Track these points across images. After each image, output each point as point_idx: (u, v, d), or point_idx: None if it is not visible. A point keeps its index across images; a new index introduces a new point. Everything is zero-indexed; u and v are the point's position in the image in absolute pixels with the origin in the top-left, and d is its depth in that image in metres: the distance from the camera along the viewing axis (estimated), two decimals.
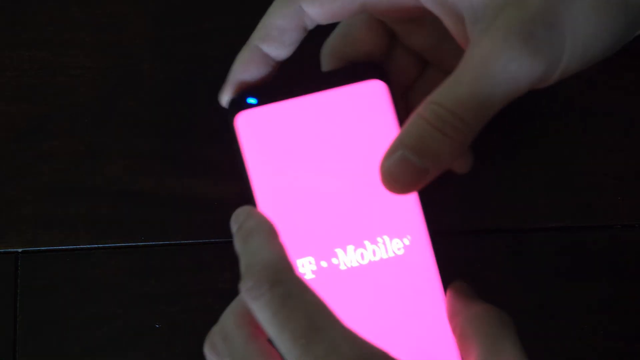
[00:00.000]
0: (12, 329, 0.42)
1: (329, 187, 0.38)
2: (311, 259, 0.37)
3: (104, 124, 0.45)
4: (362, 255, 0.37)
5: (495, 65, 0.33)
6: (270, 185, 0.38)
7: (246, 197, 0.38)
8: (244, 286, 0.32)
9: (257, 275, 0.31)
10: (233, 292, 0.42)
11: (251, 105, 0.38)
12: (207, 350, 0.34)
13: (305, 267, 0.37)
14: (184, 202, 0.44)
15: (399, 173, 0.34)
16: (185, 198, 0.44)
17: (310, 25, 0.39)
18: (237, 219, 0.35)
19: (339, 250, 0.37)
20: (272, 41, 0.38)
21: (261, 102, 0.38)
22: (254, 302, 0.31)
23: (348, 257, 0.37)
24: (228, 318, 0.34)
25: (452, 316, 0.37)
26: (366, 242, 0.37)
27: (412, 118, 0.34)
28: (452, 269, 0.43)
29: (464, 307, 0.36)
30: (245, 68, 0.39)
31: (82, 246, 0.43)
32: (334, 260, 0.37)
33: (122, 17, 0.46)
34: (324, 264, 0.37)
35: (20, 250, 0.43)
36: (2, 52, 0.46)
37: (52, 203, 0.44)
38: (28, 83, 0.45)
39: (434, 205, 0.43)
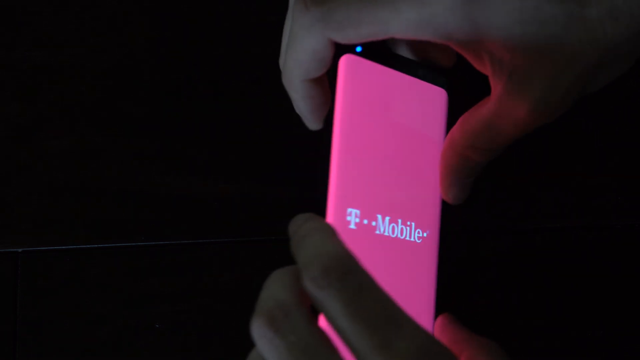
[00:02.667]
0: (12, 329, 0.42)
1: (390, 158, 0.40)
2: (358, 211, 0.38)
3: (104, 124, 0.45)
4: (393, 229, 0.39)
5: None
6: (348, 132, 0.39)
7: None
8: (308, 275, 0.30)
9: (323, 266, 0.30)
10: (233, 292, 0.43)
11: (356, 53, 0.39)
12: (264, 323, 0.31)
13: (350, 217, 0.39)
14: (184, 202, 0.44)
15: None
16: (185, 198, 0.44)
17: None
18: (296, 223, 0.34)
19: (379, 216, 0.39)
20: (315, 72, 0.38)
21: (364, 53, 0.39)
22: (320, 291, 0.30)
23: (383, 225, 0.39)
24: (283, 293, 0.31)
25: (457, 342, 0.38)
26: (399, 220, 0.40)
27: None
28: (452, 268, 0.43)
29: (469, 336, 0.38)
30: (309, 102, 0.39)
31: (82, 246, 0.43)
32: (373, 223, 0.39)
33: (122, 17, 0.46)
34: (365, 221, 0.38)
35: (20, 250, 0.43)
36: (2, 52, 0.46)
37: (52, 203, 0.44)
38: (28, 83, 0.45)
39: None
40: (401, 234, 0.40)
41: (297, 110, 0.40)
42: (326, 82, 0.40)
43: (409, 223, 0.40)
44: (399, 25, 0.36)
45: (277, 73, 0.40)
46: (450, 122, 0.41)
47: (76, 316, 0.42)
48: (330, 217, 0.38)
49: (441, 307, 0.41)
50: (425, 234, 0.40)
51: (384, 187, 0.40)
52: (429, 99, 0.41)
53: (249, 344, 0.42)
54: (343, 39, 0.37)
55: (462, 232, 0.43)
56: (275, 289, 0.32)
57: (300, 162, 0.44)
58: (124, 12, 0.46)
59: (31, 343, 0.42)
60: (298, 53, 0.37)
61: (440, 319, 0.41)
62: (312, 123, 0.40)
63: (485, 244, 0.43)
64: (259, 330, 0.31)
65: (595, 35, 0.36)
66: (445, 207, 0.43)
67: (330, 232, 0.32)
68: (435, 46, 0.42)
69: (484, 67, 0.39)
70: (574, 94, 0.38)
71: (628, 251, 0.43)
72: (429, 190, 0.41)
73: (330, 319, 0.30)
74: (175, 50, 0.46)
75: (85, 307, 0.42)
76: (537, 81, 0.37)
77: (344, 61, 0.39)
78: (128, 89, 0.45)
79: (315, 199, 0.42)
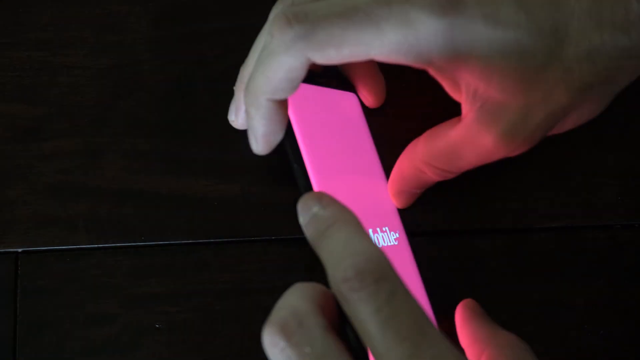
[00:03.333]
0: (12, 329, 0.42)
1: (346, 170, 0.41)
2: None
3: (104, 124, 0.45)
4: (377, 240, 0.40)
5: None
6: (314, 152, 0.40)
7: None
8: (341, 275, 0.29)
9: (359, 267, 0.29)
10: (233, 292, 0.43)
11: None
12: (276, 332, 0.29)
13: None
14: (184, 202, 0.44)
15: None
16: (185, 198, 0.44)
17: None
18: (309, 205, 0.31)
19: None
20: (283, 93, 0.37)
21: None
22: (353, 293, 0.29)
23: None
24: (299, 302, 0.30)
25: (479, 340, 0.38)
26: (377, 229, 0.41)
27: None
28: (451, 268, 0.43)
29: (492, 333, 0.38)
30: (266, 124, 0.38)
31: (82, 246, 0.43)
32: None
33: (122, 17, 0.46)
34: None
35: (20, 250, 0.43)
36: (2, 52, 0.46)
37: (52, 203, 0.44)
38: (28, 83, 0.45)
39: (432, 205, 0.43)
40: (383, 241, 0.40)
41: (250, 129, 0.39)
42: (286, 109, 0.38)
43: (383, 229, 0.41)
44: (381, 47, 0.35)
45: None
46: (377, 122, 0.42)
47: (76, 316, 0.42)
48: None
49: (439, 306, 0.41)
50: (397, 235, 0.41)
51: (354, 200, 0.38)
52: (345, 105, 0.42)
53: (249, 344, 0.42)
54: (322, 59, 0.36)
55: (460, 232, 0.43)
56: (292, 298, 0.30)
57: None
58: (124, 12, 0.46)
59: (31, 343, 0.42)
60: (271, 70, 0.36)
61: (461, 308, 0.40)
62: (260, 147, 0.39)
63: (483, 243, 0.43)
64: (270, 339, 0.29)
65: (571, 76, 0.36)
66: (440, 207, 0.43)
67: (359, 226, 0.31)
68: (370, 83, 0.43)
69: (458, 94, 0.39)
70: (542, 132, 0.38)
71: (628, 251, 0.43)
72: (382, 191, 0.42)
73: (359, 323, 0.29)
74: (175, 50, 0.46)
75: (85, 307, 0.42)
76: (508, 114, 0.37)
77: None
78: (128, 89, 0.45)
79: None
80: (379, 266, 0.29)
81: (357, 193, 0.41)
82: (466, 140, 0.39)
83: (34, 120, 0.45)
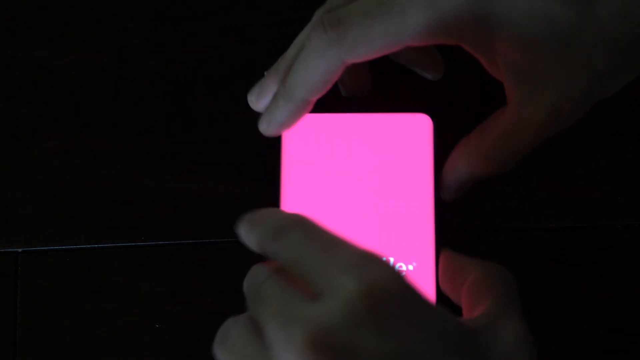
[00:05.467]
0: (12, 329, 0.42)
1: (351, 203, 0.40)
2: None
3: (103, 124, 0.45)
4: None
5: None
6: (298, 189, 0.41)
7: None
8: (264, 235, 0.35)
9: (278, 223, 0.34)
10: (233, 292, 0.42)
11: None
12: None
13: None
14: (184, 202, 0.44)
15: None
16: (185, 198, 0.44)
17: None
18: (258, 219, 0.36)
19: None
20: (317, 92, 0.39)
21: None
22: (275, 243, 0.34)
23: None
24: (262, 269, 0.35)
25: (462, 270, 0.38)
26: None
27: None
28: None
29: (475, 261, 0.38)
30: (291, 118, 0.40)
31: (82, 246, 0.43)
32: None
33: (122, 17, 0.46)
34: None
35: (20, 250, 0.43)
36: (2, 52, 0.46)
37: (52, 203, 0.44)
38: (28, 83, 0.45)
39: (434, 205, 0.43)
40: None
41: (269, 114, 0.40)
42: (310, 108, 0.40)
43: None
44: (410, 32, 0.36)
45: None
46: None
47: (76, 316, 0.42)
48: None
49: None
50: (410, 267, 0.40)
51: (349, 232, 0.39)
52: (403, 130, 0.41)
53: None
54: (356, 57, 0.37)
55: (462, 232, 0.43)
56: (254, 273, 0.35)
57: None
58: (124, 12, 0.46)
59: (31, 343, 0.42)
60: (308, 72, 0.38)
61: (442, 256, 0.40)
62: (271, 130, 0.40)
63: (483, 243, 0.43)
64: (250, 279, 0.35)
65: (607, 35, 0.36)
66: (442, 206, 0.43)
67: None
68: (426, 55, 0.42)
69: (498, 72, 0.39)
70: (590, 98, 0.38)
71: (628, 251, 0.43)
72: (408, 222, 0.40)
73: (287, 263, 0.33)
74: (175, 50, 0.46)
75: (85, 307, 0.42)
76: (552, 84, 0.37)
77: None
78: (128, 89, 0.45)
79: None
80: (293, 218, 0.34)
81: (355, 223, 0.40)
82: (518, 121, 0.38)
83: (34, 120, 0.45)
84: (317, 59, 0.37)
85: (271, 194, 0.44)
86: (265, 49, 0.44)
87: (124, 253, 0.43)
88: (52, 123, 0.45)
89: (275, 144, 0.44)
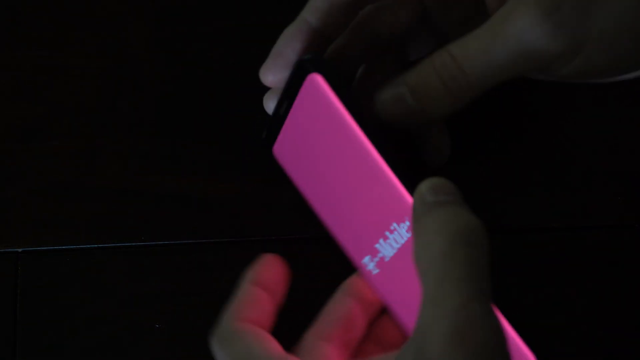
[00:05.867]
0: (12, 329, 0.42)
1: (329, 187, 0.39)
2: (368, 256, 0.38)
3: (104, 124, 0.45)
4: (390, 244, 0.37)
5: (511, 28, 0.33)
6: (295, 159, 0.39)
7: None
8: None
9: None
10: (233, 292, 0.43)
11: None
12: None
13: (367, 264, 0.38)
14: (184, 202, 0.44)
15: (392, 107, 0.35)
16: (185, 198, 0.44)
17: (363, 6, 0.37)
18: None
19: (377, 245, 0.38)
20: (322, 15, 0.36)
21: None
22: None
23: (384, 249, 0.38)
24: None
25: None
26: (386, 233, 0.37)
27: (424, 60, 0.35)
28: None
29: (422, 221, 0.31)
30: (290, 42, 0.38)
31: (82, 246, 0.43)
32: (379, 255, 0.38)
33: (122, 17, 0.46)
34: (375, 260, 0.38)
35: (20, 250, 0.43)
36: (2, 52, 0.46)
37: (52, 203, 0.44)
38: (28, 83, 0.45)
39: None
40: (395, 243, 0.38)
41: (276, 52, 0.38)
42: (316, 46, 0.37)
43: (392, 227, 0.37)
44: None
45: None
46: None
47: (76, 316, 0.42)
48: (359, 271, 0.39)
49: None
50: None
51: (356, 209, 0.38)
52: (312, 104, 0.37)
53: None
54: None
55: None
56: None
57: None
58: (124, 12, 0.46)
59: (31, 343, 0.42)
60: None
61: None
62: (277, 60, 0.38)
63: None
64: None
65: None
66: None
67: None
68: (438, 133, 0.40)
69: None
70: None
71: (628, 251, 0.43)
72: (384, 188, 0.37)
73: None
74: (175, 50, 0.46)
75: (85, 307, 0.42)
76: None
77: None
78: (128, 89, 0.45)
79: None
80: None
81: (358, 201, 0.38)
82: (504, 28, 0.33)
83: (34, 120, 0.45)
84: None
85: (271, 193, 0.44)
86: (265, 48, 0.44)
87: (124, 253, 0.43)
88: (52, 123, 0.45)
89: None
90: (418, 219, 0.31)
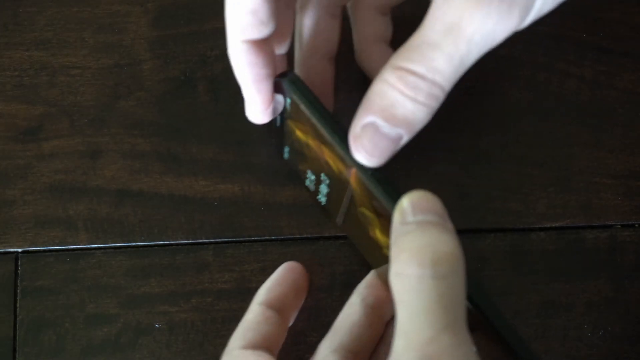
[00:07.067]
0: (12, 329, 0.42)
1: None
2: None
3: (104, 124, 0.45)
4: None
5: (471, 25, 0.31)
6: None
7: None
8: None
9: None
10: (233, 292, 0.43)
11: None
12: None
13: None
14: (184, 202, 0.44)
15: (371, 142, 0.33)
16: (185, 198, 0.44)
17: None
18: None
19: None
20: (251, 30, 0.35)
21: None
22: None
23: None
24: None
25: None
26: None
27: (378, 84, 0.33)
28: None
29: (399, 244, 0.31)
30: (248, 70, 0.37)
31: (82, 246, 0.43)
32: None
33: (122, 17, 0.46)
34: None
35: (20, 250, 0.43)
36: (2, 52, 0.46)
37: (52, 203, 0.44)
38: (28, 83, 0.45)
39: None
40: None
41: (245, 92, 0.38)
42: (271, 56, 0.37)
43: None
44: None
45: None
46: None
47: (76, 316, 0.42)
48: None
49: None
50: None
51: None
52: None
53: None
54: None
55: (461, 232, 0.43)
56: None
57: None
58: (124, 12, 0.46)
59: (31, 343, 0.42)
60: (235, 12, 0.35)
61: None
62: (258, 107, 0.38)
63: (483, 243, 0.43)
64: None
65: None
66: None
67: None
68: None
69: None
70: None
71: (628, 251, 0.43)
72: None
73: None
74: (175, 50, 0.46)
75: (85, 307, 0.42)
76: None
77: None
78: (128, 89, 0.45)
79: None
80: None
81: None
82: (468, 27, 0.31)
83: (34, 120, 0.45)
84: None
85: (270, 193, 0.44)
86: None
87: (124, 253, 0.43)
88: (52, 123, 0.45)
89: (275, 144, 0.44)
90: (396, 239, 0.31)
